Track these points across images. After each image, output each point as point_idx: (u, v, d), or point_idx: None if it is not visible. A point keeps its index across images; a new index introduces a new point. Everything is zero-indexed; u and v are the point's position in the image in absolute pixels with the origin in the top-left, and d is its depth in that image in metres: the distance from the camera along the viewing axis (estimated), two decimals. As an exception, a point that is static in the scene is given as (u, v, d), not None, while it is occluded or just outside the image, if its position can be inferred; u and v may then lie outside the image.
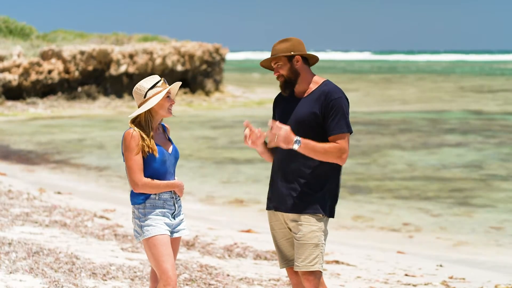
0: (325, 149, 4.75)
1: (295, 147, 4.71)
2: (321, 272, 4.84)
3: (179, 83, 5.01)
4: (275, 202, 4.93)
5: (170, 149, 4.97)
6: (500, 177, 16.35)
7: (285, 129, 4.70)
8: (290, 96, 4.96)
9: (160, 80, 4.92)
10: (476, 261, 9.63)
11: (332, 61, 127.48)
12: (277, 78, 4.93)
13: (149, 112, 4.89)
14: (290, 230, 4.91)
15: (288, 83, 4.91)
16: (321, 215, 4.82)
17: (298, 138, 4.71)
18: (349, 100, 4.89)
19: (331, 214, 4.88)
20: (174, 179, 4.97)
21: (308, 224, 4.81)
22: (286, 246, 4.99)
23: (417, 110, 34.62)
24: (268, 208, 5.01)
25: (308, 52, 4.91)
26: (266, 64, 5.00)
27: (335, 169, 4.87)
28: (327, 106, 4.78)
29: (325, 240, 4.87)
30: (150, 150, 4.83)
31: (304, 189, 4.82)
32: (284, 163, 4.86)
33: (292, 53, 4.85)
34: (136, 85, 4.93)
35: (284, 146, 4.70)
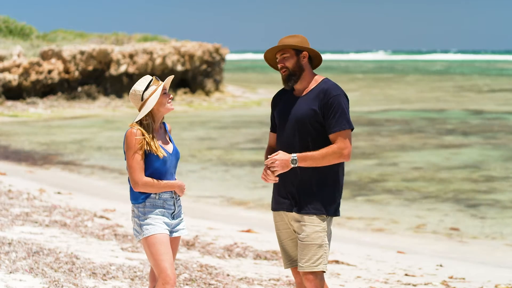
0: (323, 153, 4.77)
1: (294, 164, 4.77)
2: (323, 272, 4.85)
3: (172, 77, 5.02)
4: (279, 203, 4.94)
5: (171, 149, 4.97)
6: (500, 178, 16.35)
7: (279, 157, 4.78)
8: (289, 95, 4.97)
9: (152, 78, 4.93)
10: (476, 261, 9.63)
11: (332, 61, 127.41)
12: (281, 69, 4.93)
13: (149, 111, 4.89)
14: (294, 231, 4.92)
15: (292, 76, 4.91)
16: (324, 215, 4.83)
17: (293, 155, 4.78)
18: (348, 98, 4.91)
19: (335, 213, 4.89)
20: (175, 179, 4.98)
21: (311, 224, 4.81)
22: (291, 246, 5.00)
23: (417, 109, 34.60)
24: (273, 209, 5.02)
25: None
26: (270, 56, 4.99)
27: (338, 168, 4.88)
28: (327, 103, 4.80)
29: (329, 239, 4.88)
30: (153, 149, 4.83)
31: (306, 189, 4.83)
32: None
33: (302, 46, 4.87)
34: (131, 90, 4.94)
35: (286, 169, 4.79)
